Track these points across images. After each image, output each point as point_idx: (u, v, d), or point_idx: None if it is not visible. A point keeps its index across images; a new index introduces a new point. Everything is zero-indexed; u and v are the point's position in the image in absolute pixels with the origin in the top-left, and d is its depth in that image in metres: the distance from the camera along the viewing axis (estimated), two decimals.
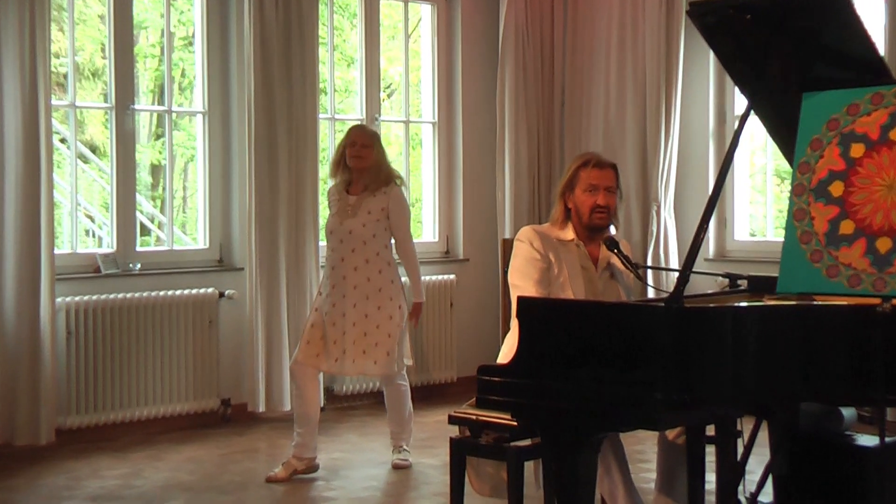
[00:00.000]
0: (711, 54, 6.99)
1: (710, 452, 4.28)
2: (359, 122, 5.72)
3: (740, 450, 4.35)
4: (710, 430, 4.29)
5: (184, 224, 10.88)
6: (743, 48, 3.87)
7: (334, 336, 5.65)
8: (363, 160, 5.71)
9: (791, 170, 3.70)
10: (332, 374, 5.73)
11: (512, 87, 7.96)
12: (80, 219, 8.60)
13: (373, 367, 5.66)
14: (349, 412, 7.25)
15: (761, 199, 8.11)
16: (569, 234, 4.41)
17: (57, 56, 8.96)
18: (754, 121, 4.29)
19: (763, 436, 4.50)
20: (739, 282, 4.47)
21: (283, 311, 6.91)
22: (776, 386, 3.40)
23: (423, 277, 7.63)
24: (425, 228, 8.21)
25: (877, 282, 3.39)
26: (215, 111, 7.06)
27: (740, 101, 7.36)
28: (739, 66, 4.01)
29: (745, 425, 4.36)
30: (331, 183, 5.92)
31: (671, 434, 4.34)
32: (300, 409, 5.70)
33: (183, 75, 11.21)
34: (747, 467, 4.44)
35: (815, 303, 3.49)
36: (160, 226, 10.02)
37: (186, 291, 6.76)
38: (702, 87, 7.58)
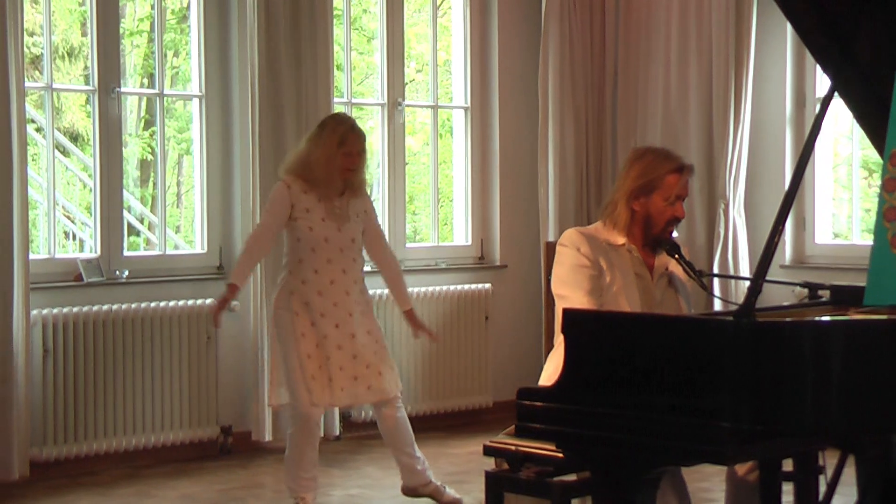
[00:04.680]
0: (789, 26, 6.95)
1: (788, 492, 4.25)
2: (340, 113, 5.60)
3: (822, 489, 4.32)
4: (788, 466, 4.26)
5: (178, 225, 10.94)
6: (826, 18, 3.85)
7: (341, 362, 5.55)
8: (361, 169, 5.67)
9: (882, 162, 3.67)
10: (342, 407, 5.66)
11: (556, 66, 7.94)
12: (59, 219, 8.65)
13: (390, 386, 5.67)
14: (367, 442, 7.24)
15: (846, 195, 8.07)
16: (619, 237, 4.38)
17: (31, 34, 9.03)
18: (839, 104, 4.27)
19: (849, 473, 4.47)
20: (820, 292, 4.45)
21: None
22: (864, 415, 3.38)
23: (454, 287, 7.70)
24: (456, 230, 8.20)
25: None
26: (213, 95, 7.09)
27: (823, 82, 7.32)
28: (822, 39, 3.99)
29: (829, 460, 4.33)
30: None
31: (741, 469, 4.32)
32: (313, 452, 5.59)
33: (176, 54, 11.27)
34: None
35: None
36: (151, 227, 10.08)
37: (181, 303, 6.79)
38: (777, 65, 7.54)
